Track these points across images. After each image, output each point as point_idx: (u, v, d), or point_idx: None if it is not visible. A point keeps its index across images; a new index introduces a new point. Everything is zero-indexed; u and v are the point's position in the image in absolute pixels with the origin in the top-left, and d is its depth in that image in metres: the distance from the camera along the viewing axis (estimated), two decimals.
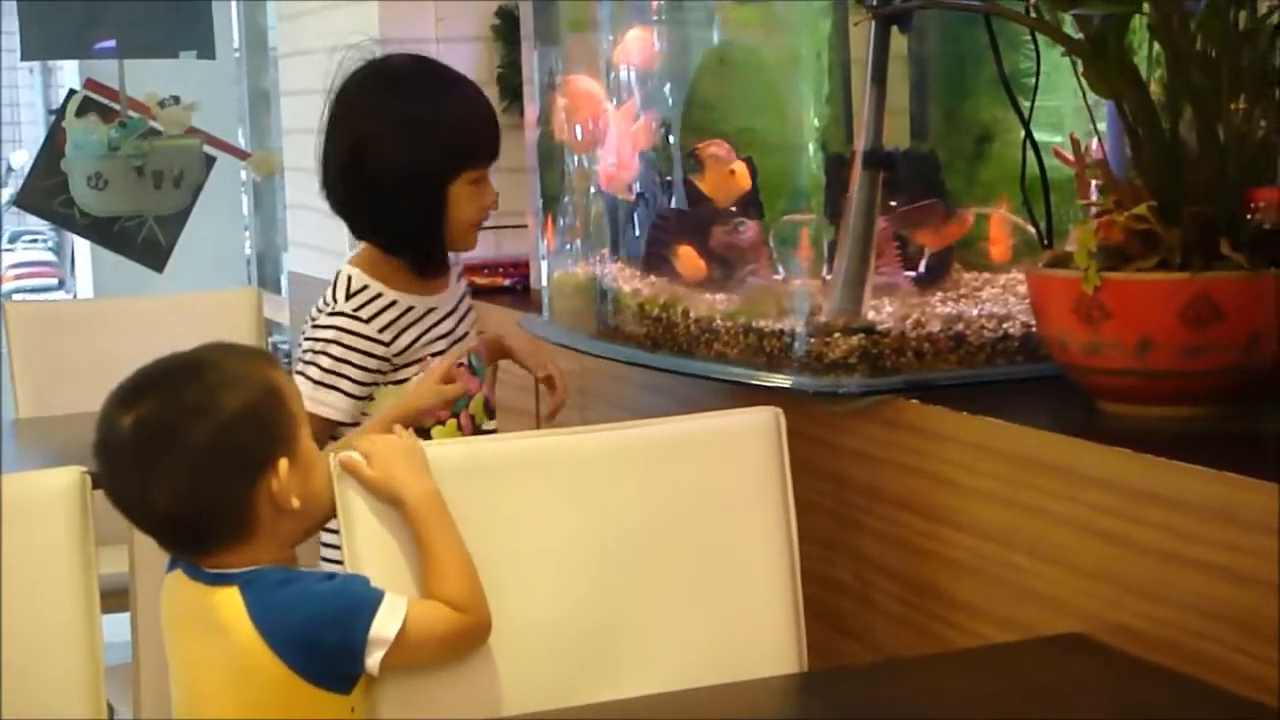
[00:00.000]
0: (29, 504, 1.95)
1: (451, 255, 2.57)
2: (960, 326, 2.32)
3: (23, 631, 1.91)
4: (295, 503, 1.90)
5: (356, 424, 2.44)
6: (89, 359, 3.71)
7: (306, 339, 2.44)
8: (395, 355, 2.44)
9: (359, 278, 2.45)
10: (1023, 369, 2.28)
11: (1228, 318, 1.90)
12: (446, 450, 2.07)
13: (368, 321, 2.42)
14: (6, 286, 9.74)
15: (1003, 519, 2.04)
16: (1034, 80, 2.40)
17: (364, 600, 1.88)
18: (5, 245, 10.18)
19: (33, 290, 10.19)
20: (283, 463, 1.89)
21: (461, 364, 2.49)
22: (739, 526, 2.14)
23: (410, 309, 2.46)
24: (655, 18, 2.74)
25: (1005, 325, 2.33)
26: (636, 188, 2.73)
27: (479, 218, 2.48)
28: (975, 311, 2.35)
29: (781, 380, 2.30)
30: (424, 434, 2.43)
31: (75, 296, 8.74)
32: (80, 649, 1.94)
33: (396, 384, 2.45)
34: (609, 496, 2.09)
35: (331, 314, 2.43)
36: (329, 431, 2.42)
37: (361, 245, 2.52)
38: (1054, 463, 1.95)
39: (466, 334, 2.55)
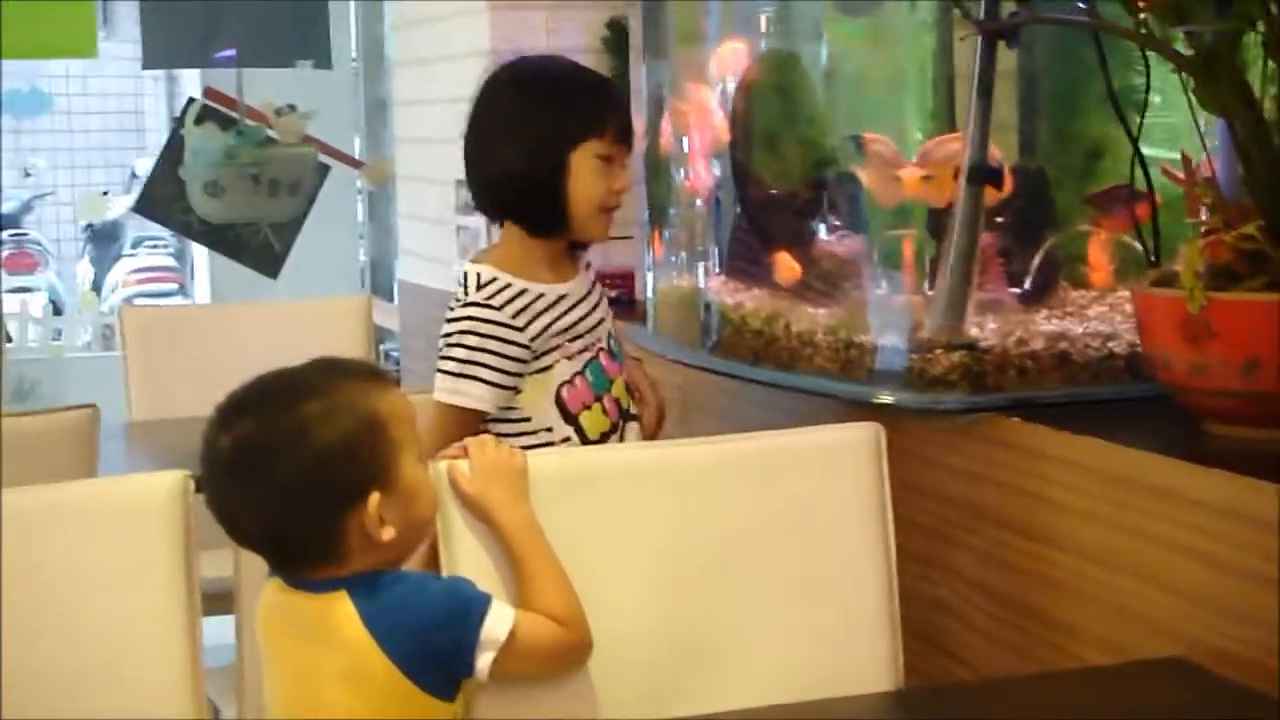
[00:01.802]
0: (132, 506, 1.97)
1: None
2: (1064, 344, 2.30)
3: (122, 631, 1.93)
4: (389, 534, 1.88)
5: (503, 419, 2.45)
6: (203, 363, 3.77)
7: (442, 336, 2.45)
8: (532, 340, 2.43)
9: (487, 271, 2.46)
10: (1128, 388, 2.26)
11: None
12: (544, 461, 2.07)
13: (500, 309, 2.41)
14: (129, 291, 9.88)
15: (1104, 540, 2.01)
16: (1144, 96, 2.38)
17: (475, 601, 1.89)
18: (128, 250, 10.33)
19: (154, 295, 10.32)
20: (374, 497, 1.87)
21: (603, 348, 2.51)
22: (838, 542, 2.13)
23: (541, 295, 2.45)
24: (761, 31, 2.73)
25: (1110, 344, 2.31)
26: (735, 198, 2.74)
27: (607, 201, 2.47)
28: (1080, 329, 2.33)
29: (883, 396, 2.29)
30: (573, 420, 2.45)
31: (194, 301, 8.86)
32: (180, 650, 1.95)
33: (540, 373, 2.45)
34: (706, 510, 2.09)
35: (464, 305, 2.44)
36: (475, 423, 2.41)
37: (484, 247, 2.54)
38: (1156, 484, 1.93)
39: (602, 320, 2.54)
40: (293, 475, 1.85)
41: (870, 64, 2.59)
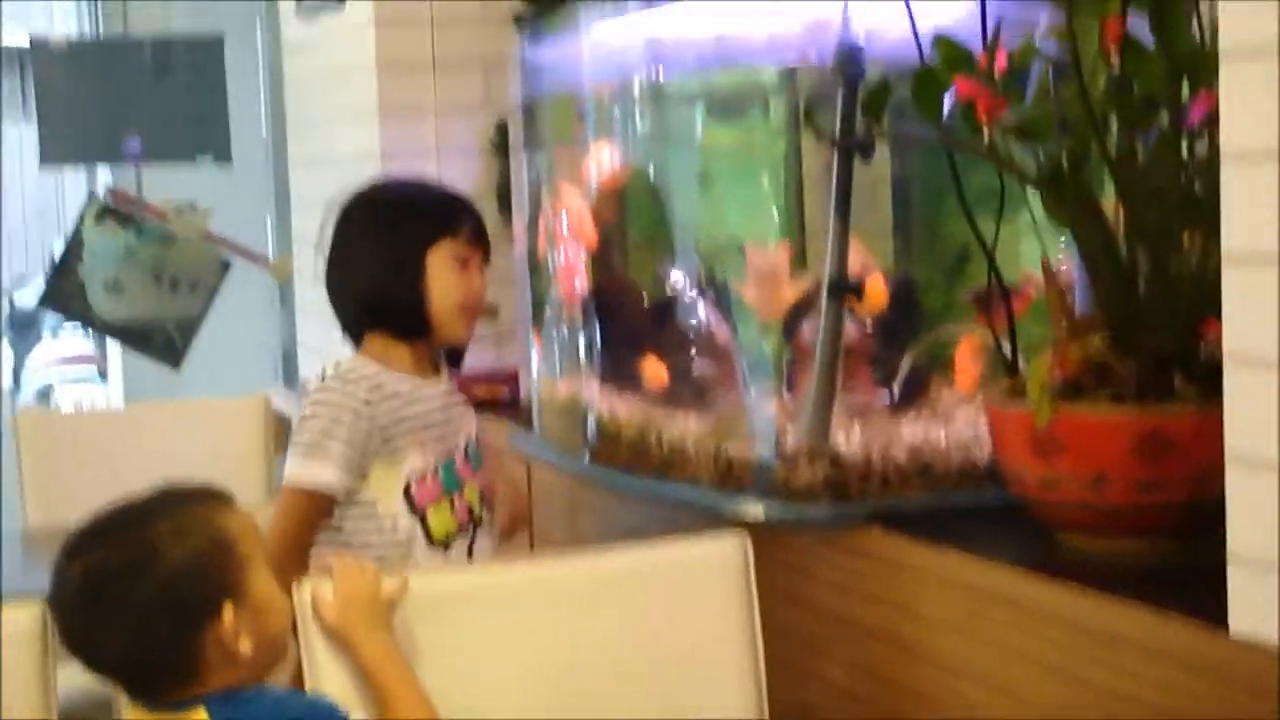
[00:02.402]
0: None
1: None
2: (927, 454, 2.32)
3: None
4: (245, 647, 1.90)
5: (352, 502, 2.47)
6: (101, 467, 3.75)
7: (301, 417, 2.49)
8: (383, 426, 2.46)
9: (349, 361, 2.53)
10: (989, 495, 2.27)
11: (1180, 452, 1.90)
12: (420, 580, 2.09)
13: (353, 389, 2.46)
14: (48, 377, 9.81)
15: (962, 651, 2.03)
16: (1022, 194, 2.39)
17: (334, 715, 1.91)
18: (48, 335, 10.26)
19: (74, 380, 10.24)
20: (228, 609, 1.89)
21: (457, 451, 2.54)
22: (708, 652, 2.15)
23: (399, 386, 2.50)
24: (628, 130, 2.77)
25: (972, 452, 2.33)
26: (611, 299, 2.76)
27: (465, 302, 2.52)
28: (943, 437, 2.35)
29: (750, 508, 2.31)
30: (420, 514, 2.47)
31: (108, 386, 8.79)
32: None
33: (390, 459, 2.47)
34: (578, 626, 2.11)
35: (319, 389, 2.49)
36: (324, 507, 2.45)
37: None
38: (1009, 596, 1.95)
39: (461, 428, 2.58)
40: (146, 596, 1.87)
41: (731, 169, 2.63)
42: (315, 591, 2.01)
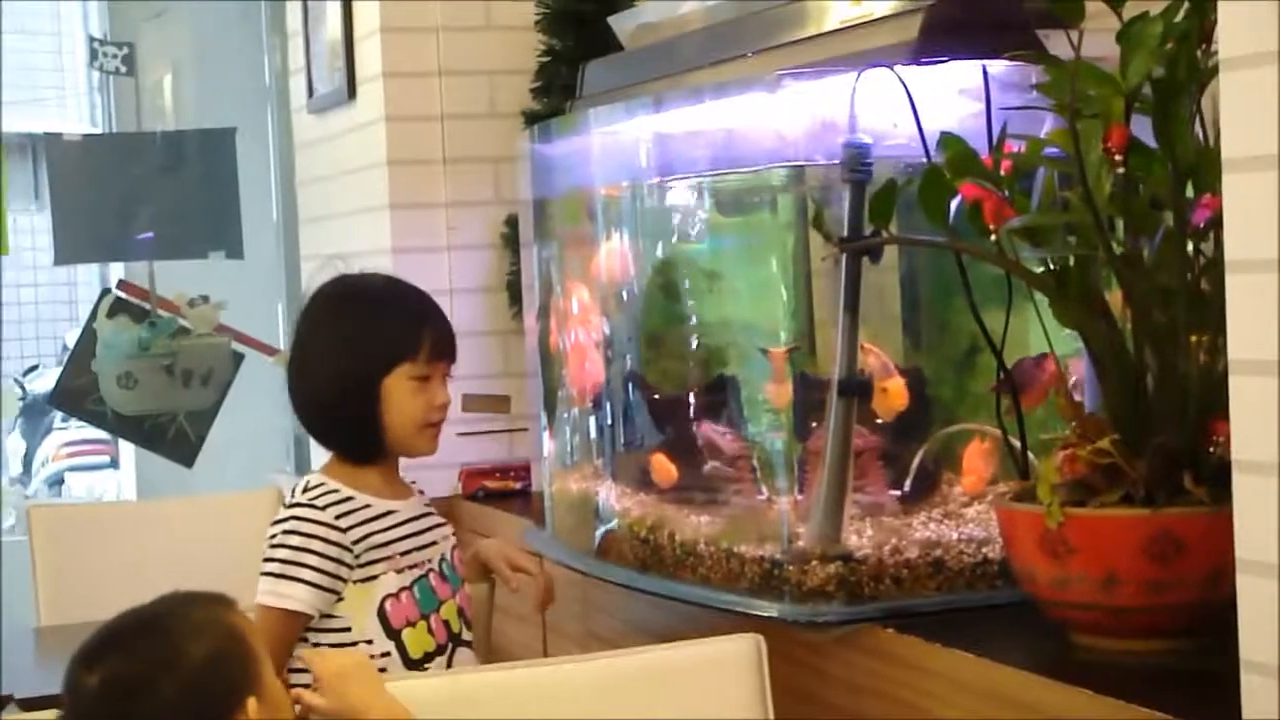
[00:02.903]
0: None
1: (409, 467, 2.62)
2: (939, 551, 2.33)
3: None
4: None
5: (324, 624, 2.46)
6: (113, 563, 3.76)
7: (267, 540, 2.48)
8: (354, 544, 2.45)
9: (317, 478, 2.52)
10: (1002, 594, 2.28)
11: (1190, 553, 1.91)
12: (425, 683, 2.10)
13: (323, 509, 2.45)
14: (59, 465, 9.83)
15: None
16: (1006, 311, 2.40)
17: None
18: (59, 424, 10.28)
19: (85, 468, 10.26)
20: (252, 702, 1.91)
21: (433, 569, 2.53)
22: None
23: (368, 505, 2.49)
24: (637, 227, 2.80)
25: (985, 549, 2.34)
26: (622, 396, 2.78)
27: (428, 418, 2.52)
28: (955, 535, 2.36)
29: (762, 608, 2.31)
30: (395, 635, 2.46)
31: (120, 474, 8.80)
32: None
33: (364, 582, 2.46)
34: None
35: (289, 508, 2.48)
36: (297, 628, 2.43)
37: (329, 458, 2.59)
38: (1019, 699, 1.95)
39: (435, 543, 2.57)
40: (171, 698, 1.87)
41: (739, 267, 2.65)
42: (300, 695, 2.04)
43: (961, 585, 2.33)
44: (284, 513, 2.48)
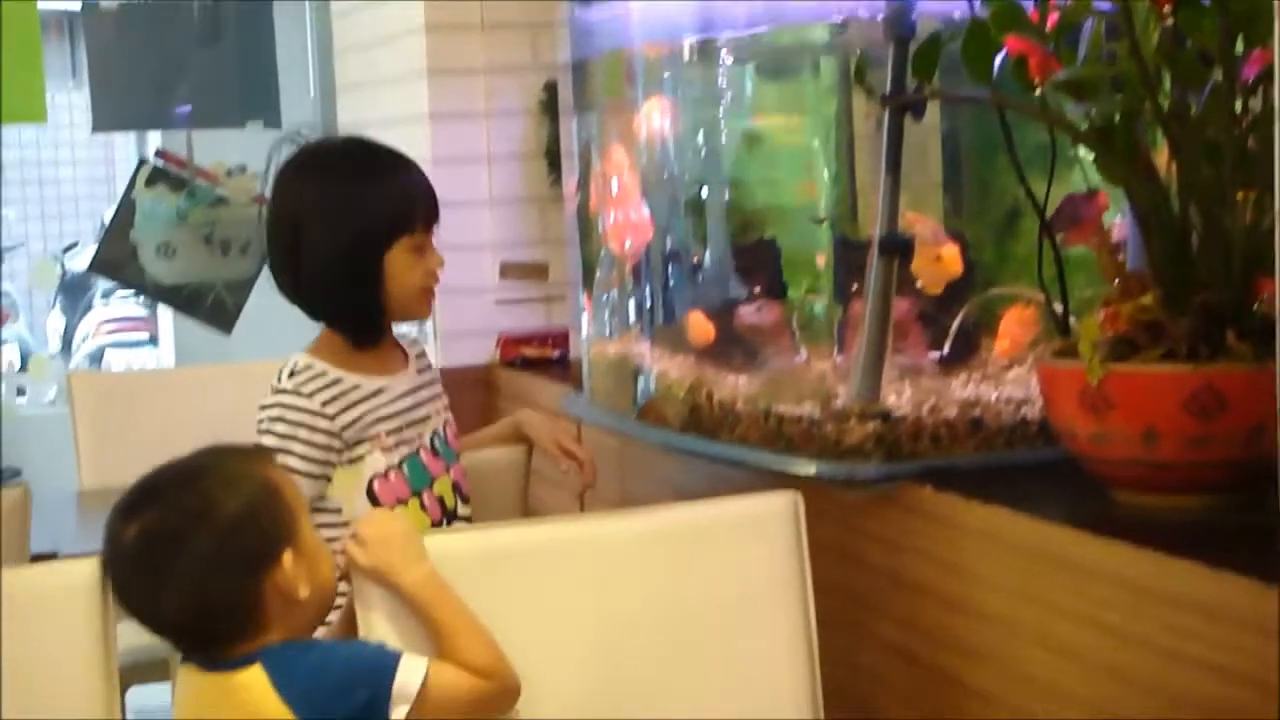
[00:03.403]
0: (48, 594, 1.99)
1: (409, 333, 2.59)
2: (978, 411, 2.32)
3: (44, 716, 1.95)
4: (304, 592, 1.94)
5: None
6: (153, 429, 3.77)
7: (257, 420, 2.45)
8: (343, 430, 2.43)
9: (304, 360, 2.48)
10: (1041, 453, 2.28)
11: (1232, 408, 1.89)
12: (463, 538, 2.10)
13: (309, 396, 2.43)
14: (99, 341, 9.87)
15: (1013, 609, 2.03)
16: (1073, 153, 2.39)
17: (384, 659, 1.93)
18: (98, 301, 10.33)
19: (124, 345, 10.30)
20: (287, 555, 1.93)
21: (424, 445, 2.52)
22: (759, 610, 2.16)
23: (356, 386, 2.47)
24: (678, 90, 2.77)
25: (1024, 409, 2.33)
26: (666, 258, 2.77)
27: (426, 283, 2.50)
28: (994, 395, 2.35)
29: (800, 467, 2.31)
30: None
31: (159, 349, 8.84)
32: None
33: (351, 463, 2.45)
34: (627, 583, 2.12)
35: (275, 393, 2.45)
36: None
37: (318, 334, 2.55)
38: (1060, 555, 1.95)
39: (428, 417, 2.55)
40: (207, 548, 1.90)
41: (781, 128, 2.62)
42: (347, 546, 2.03)
43: (1000, 444, 2.32)
44: (270, 399, 2.45)
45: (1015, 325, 2.43)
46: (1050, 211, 2.21)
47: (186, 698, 1.99)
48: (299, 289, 2.49)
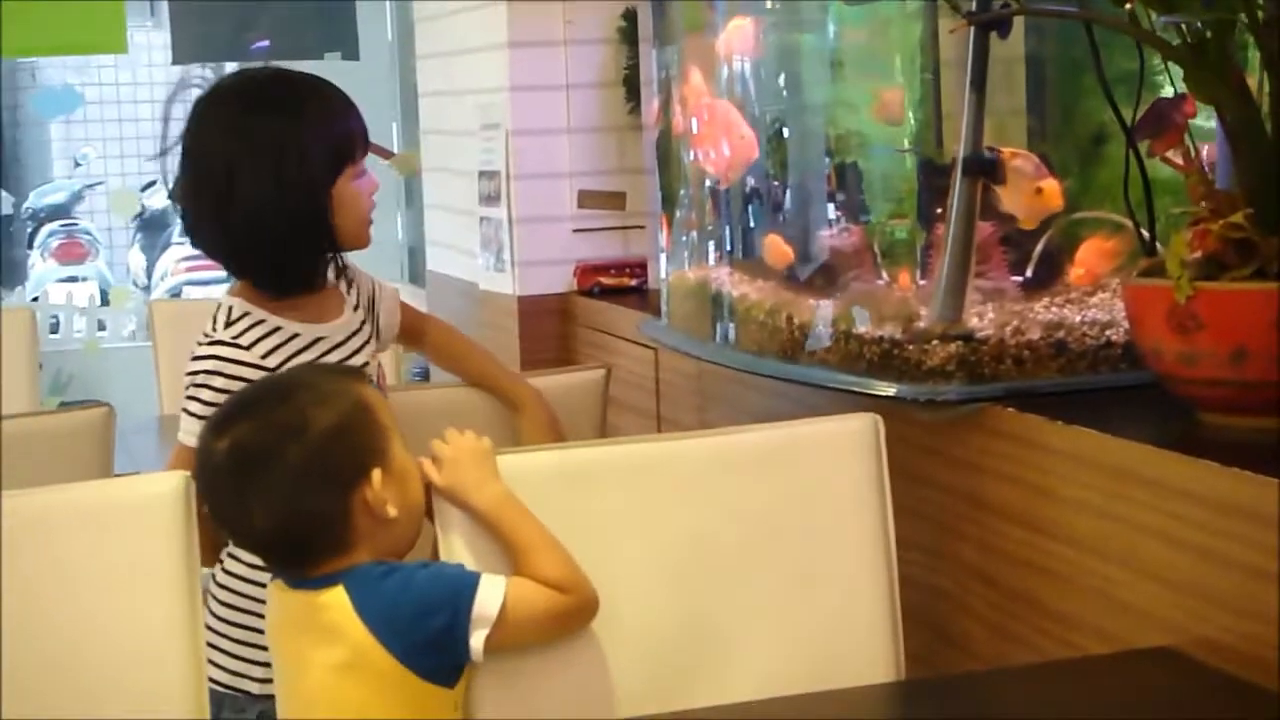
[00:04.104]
0: (134, 506, 1.98)
1: (344, 279, 2.44)
2: (1062, 333, 2.30)
3: (127, 628, 1.95)
4: (392, 511, 1.94)
5: None
6: None
7: (188, 373, 2.33)
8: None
9: (240, 306, 2.34)
10: (1125, 376, 2.26)
11: None
12: (541, 457, 2.10)
13: (248, 348, 2.30)
14: (178, 279, 9.95)
15: (1097, 530, 2.02)
16: (1161, 77, 2.36)
17: (463, 581, 1.93)
18: (176, 239, 10.40)
19: (202, 282, 10.37)
20: (376, 473, 1.94)
21: None
22: (838, 532, 2.14)
23: (296, 335, 2.34)
24: (765, 18, 2.75)
25: (1108, 332, 2.31)
26: (748, 184, 2.75)
27: (369, 207, 2.37)
28: (1078, 318, 2.33)
29: (881, 387, 2.30)
30: None
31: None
32: (183, 645, 1.96)
33: None
34: (705, 503, 2.10)
35: (210, 344, 2.31)
36: None
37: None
38: (1146, 475, 1.93)
39: (365, 364, 2.41)
40: (298, 463, 1.91)
41: (865, 52, 2.60)
42: (424, 466, 2.02)
43: (1083, 368, 2.30)
44: (205, 349, 2.31)
45: (1093, 255, 2.40)
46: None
47: (274, 615, 2.01)
48: (226, 240, 2.32)
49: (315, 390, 1.97)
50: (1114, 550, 1.99)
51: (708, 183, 2.86)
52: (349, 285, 2.46)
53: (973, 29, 2.23)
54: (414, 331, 2.66)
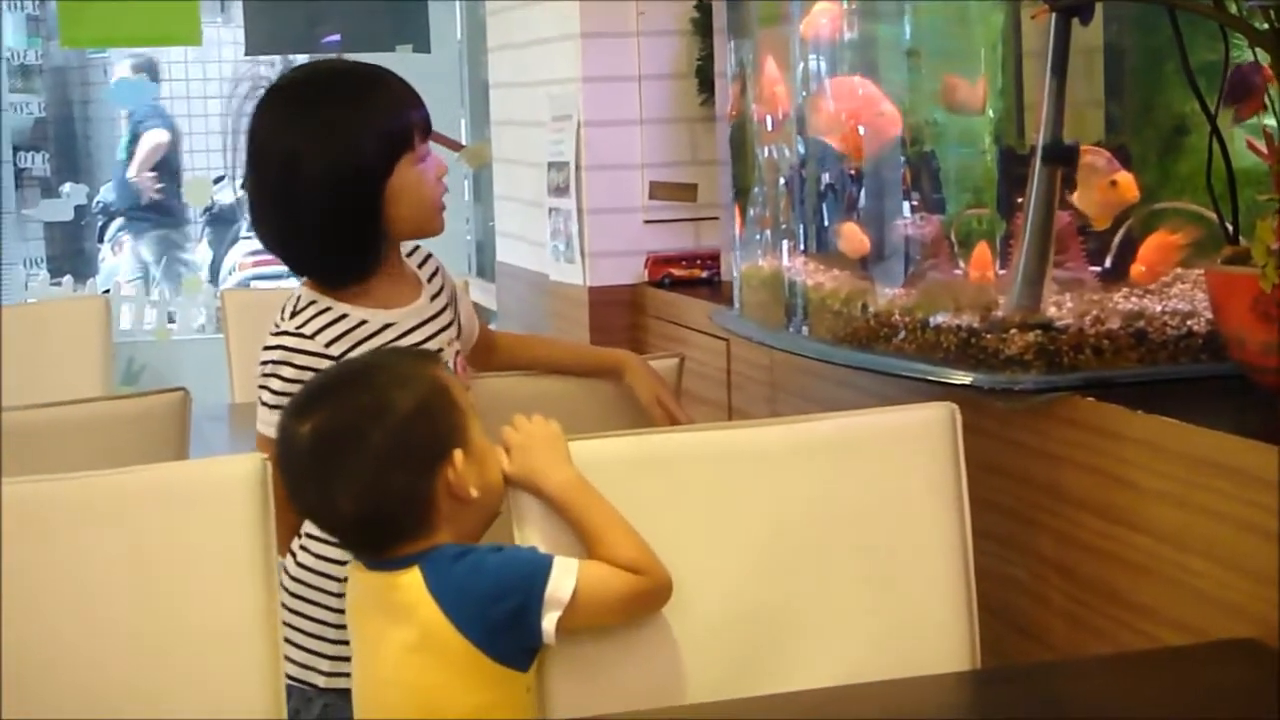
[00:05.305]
0: (210, 489, 1.99)
1: (423, 265, 2.46)
2: (1141, 323, 2.28)
3: (202, 610, 1.96)
4: (474, 492, 1.95)
5: None
6: None
7: (259, 363, 2.35)
8: None
9: (307, 294, 2.36)
10: (1206, 367, 2.24)
11: None
12: (614, 443, 2.10)
13: (312, 337, 2.31)
14: (244, 274, 10.01)
15: (1177, 520, 2.00)
16: (1223, 72, 2.33)
17: (537, 564, 1.93)
18: (244, 233, 10.47)
19: (268, 277, 10.43)
20: (458, 454, 1.94)
21: None
22: (913, 521, 2.13)
23: (363, 323, 2.34)
24: (843, 8, 2.73)
25: (1189, 322, 2.29)
26: (825, 178, 2.73)
27: (439, 191, 2.35)
28: (1159, 308, 2.31)
29: (958, 376, 2.29)
30: None
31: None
32: (259, 626, 1.97)
33: None
34: (782, 491, 2.10)
35: (277, 334, 2.33)
36: None
37: None
38: (1228, 464, 1.91)
39: (439, 350, 2.40)
40: (380, 446, 1.92)
41: (946, 42, 2.58)
42: (498, 450, 2.02)
43: (1164, 358, 2.28)
44: (273, 339, 2.33)
45: (1154, 251, 2.37)
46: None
47: (353, 595, 2.02)
48: (284, 230, 2.35)
49: (394, 372, 1.98)
50: (1193, 540, 1.97)
51: (781, 181, 2.84)
52: (432, 274, 2.47)
53: (1054, 15, 2.22)
54: (483, 344, 2.67)
